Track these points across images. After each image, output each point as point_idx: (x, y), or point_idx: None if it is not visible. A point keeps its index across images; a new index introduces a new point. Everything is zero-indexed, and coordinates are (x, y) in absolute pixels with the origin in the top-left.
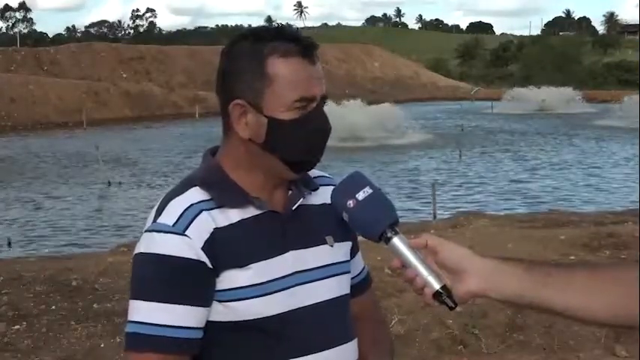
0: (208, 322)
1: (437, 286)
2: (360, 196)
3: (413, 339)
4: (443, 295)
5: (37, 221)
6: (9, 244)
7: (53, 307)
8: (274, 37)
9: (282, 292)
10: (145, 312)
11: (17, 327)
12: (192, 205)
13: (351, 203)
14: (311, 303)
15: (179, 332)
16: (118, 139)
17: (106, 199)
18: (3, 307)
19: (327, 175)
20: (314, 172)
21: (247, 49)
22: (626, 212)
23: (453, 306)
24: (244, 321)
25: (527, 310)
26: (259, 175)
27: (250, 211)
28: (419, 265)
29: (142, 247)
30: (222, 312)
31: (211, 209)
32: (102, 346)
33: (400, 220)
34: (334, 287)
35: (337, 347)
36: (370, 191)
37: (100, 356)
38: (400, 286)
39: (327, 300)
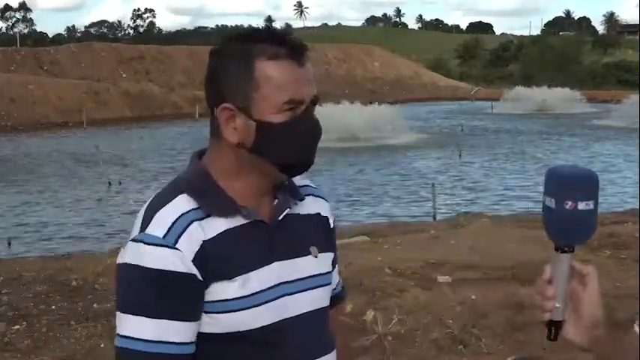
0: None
1: (559, 318)
2: (581, 206)
3: (413, 339)
4: (554, 327)
5: (37, 221)
6: (9, 244)
7: (53, 307)
8: (262, 38)
9: (268, 303)
10: (136, 327)
11: (17, 327)
12: (182, 215)
13: (569, 204)
14: (296, 314)
15: (170, 348)
16: (118, 139)
17: (106, 199)
18: (3, 307)
19: (312, 185)
20: (299, 181)
21: (235, 51)
22: (626, 212)
23: (554, 339)
24: (230, 332)
25: (526, 310)
26: (248, 181)
27: (237, 220)
28: (562, 292)
29: (128, 258)
30: (209, 323)
31: (200, 219)
32: (102, 346)
33: (400, 219)
34: (318, 298)
35: (320, 358)
36: (592, 207)
37: (100, 356)
38: (400, 286)
39: (311, 311)
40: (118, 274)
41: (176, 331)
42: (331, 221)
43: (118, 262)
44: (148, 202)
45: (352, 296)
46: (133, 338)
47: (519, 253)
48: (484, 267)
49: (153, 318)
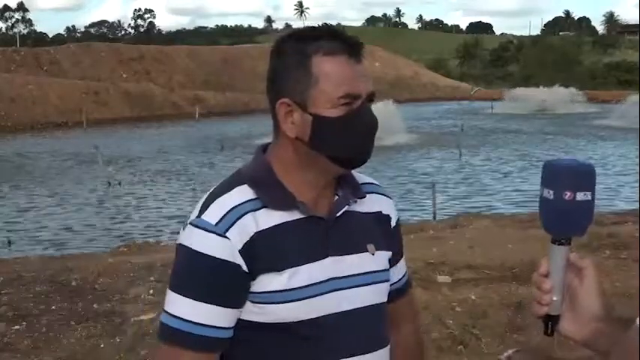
0: (243, 321)
1: (556, 312)
2: (580, 196)
3: None
4: (551, 321)
5: (37, 221)
6: (9, 244)
7: (53, 307)
8: (319, 36)
9: (318, 297)
10: (179, 306)
11: (17, 327)
12: (237, 205)
13: (567, 195)
14: (346, 309)
15: (210, 331)
16: (118, 139)
17: (106, 199)
18: (3, 307)
19: (375, 182)
20: (362, 178)
21: (292, 48)
22: (626, 212)
23: (550, 334)
24: (278, 323)
25: (527, 310)
26: (307, 174)
27: (294, 215)
28: (560, 285)
29: (183, 239)
30: (258, 313)
31: (256, 210)
32: (102, 346)
33: (400, 220)
34: (371, 295)
35: (369, 354)
36: (589, 198)
37: (100, 356)
38: None
39: (362, 307)
40: (175, 253)
41: (214, 315)
42: (393, 220)
43: (177, 242)
44: (210, 190)
45: None
46: (173, 315)
47: (519, 253)
48: (484, 267)
49: (193, 299)
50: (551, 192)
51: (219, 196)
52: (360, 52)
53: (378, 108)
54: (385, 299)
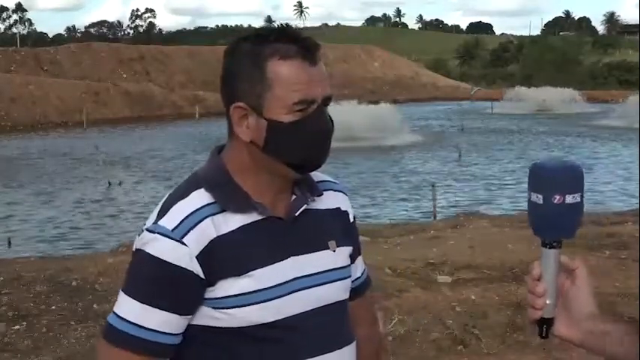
0: (207, 328)
1: (550, 315)
2: (569, 199)
3: (413, 339)
4: (545, 325)
5: (37, 221)
6: (9, 244)
7: (53, 307)
8: (275, 38)
9: (281, 298)
10: (129, 309)
11: (17, 327)
12: (195, 210)
13: (557, 198)
14: (311, 308)
15: (157, 336)
16: (118, 139)
17: (106, 199)
18: (3, 307)
19: (332, 180)
20: (318, 176)
21: (248, 50)
22: (626, 212)
23: (545, 337)
24: (244, 327)
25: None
26: (263, 177)
27: (252, 217)
28: (553, 288)
29: (139, 244)
30: (222, 319)
31: (214, 214)
32: None
33: (400, 219)
34: (335, 292)
35: (336, 351)
36: (578, 200)
37: None
38: (400, 286)
39: (327, 305)
40: (132, 258)
41: (163, 321)
42: (351, 215)
43: (133, 247)
44: (167, 195)
45: None
46: (120, 317)
47: (519, 253)
48: (484, 267)
49: (146, 304)
50: (540, 196)
51: (177, 201)
52: (316, 55)
53: (378, 108)
54: (347, 296)
